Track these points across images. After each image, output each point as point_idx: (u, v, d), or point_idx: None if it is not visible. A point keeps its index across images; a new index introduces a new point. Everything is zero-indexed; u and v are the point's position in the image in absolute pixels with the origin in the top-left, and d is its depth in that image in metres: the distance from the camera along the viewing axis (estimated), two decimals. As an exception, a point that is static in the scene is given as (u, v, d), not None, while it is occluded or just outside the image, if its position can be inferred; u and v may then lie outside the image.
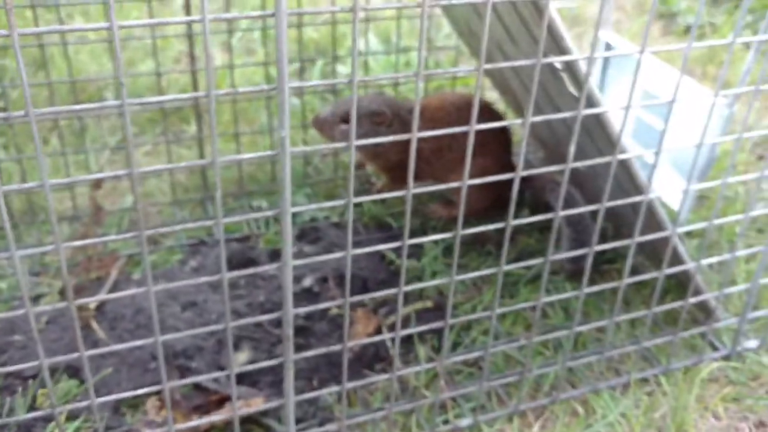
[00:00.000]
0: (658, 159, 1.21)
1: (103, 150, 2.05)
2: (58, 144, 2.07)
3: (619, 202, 1.22)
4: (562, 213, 1.17)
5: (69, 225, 1.88)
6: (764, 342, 1.62)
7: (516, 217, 2.04)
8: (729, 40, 1.13)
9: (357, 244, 1.91)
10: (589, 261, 1.26)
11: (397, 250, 1.86)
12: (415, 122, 0.99)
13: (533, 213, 2.02)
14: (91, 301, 0.99)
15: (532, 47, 1.33)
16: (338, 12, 0.88)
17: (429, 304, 1.67)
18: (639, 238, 1.29)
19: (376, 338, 1.17)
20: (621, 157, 1.16)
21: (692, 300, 1.46)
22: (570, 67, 1.12)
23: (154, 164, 2.09)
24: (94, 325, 1.56)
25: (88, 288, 1.66)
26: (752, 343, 1.62)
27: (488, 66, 0.97)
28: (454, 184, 1.11)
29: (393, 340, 1.44)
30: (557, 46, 1.07)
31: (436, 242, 1.91)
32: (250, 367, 1.13)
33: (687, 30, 3.02)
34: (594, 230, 1.80)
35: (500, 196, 1.87)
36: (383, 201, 2.06)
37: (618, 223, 1.79)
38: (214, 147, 0.90)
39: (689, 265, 1.42)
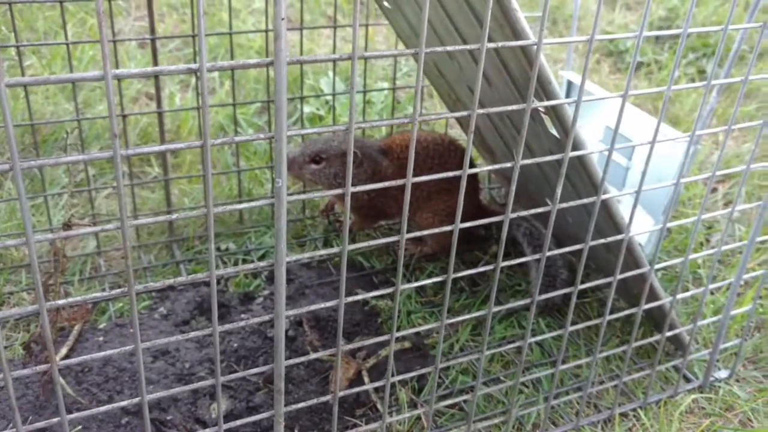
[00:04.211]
0: (638, 198, 1.24)
1: (62, 194, 1.98)
2: (13, 188, 1.99)
3: (601, 240, 1.24)
4: (558, 251, 1.18)
5: (26, 273, 1.79)
6: (734, 372, 1.65)
7: (483, 251, 2.09)
8: (665, 88, 1.14)
9: (329, 285, 1.89)
10: (574, 299, 1.27)
11: (373, 291, 1.84)
12: (410, 167, 0.98)
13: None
14: (75, 361, 0.94)
15: (510, 90, 1.35)
16: (338, 60, 0.87)
17: (407, 344, 1.65)
18: (620, 276, 1.30)
19: (368, 386, 1.14)
20: (605, 197, 1.18)
21: (668, 333, 1.48)
22: (555, 110, 1.13)
23: (115, 207, 2.03)
24: (60, 378, 1.48)
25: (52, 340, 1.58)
26: (723, 373, 1.65)
27: (480, 111, 0.97)
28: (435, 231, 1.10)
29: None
30: (543, 89, 1.09)
31: (409, 281, 1.90)
32: (239, 423, 1.09)
33: (636, 67, 3.13)
34: (560, 264, 1.84)
35: (469, 233, 1.88)
36: (353, 241, 2.04)
37: (589, 258, 1.81)
38: (208, 198, 0.87)
39: (665, 301, 1.45)
